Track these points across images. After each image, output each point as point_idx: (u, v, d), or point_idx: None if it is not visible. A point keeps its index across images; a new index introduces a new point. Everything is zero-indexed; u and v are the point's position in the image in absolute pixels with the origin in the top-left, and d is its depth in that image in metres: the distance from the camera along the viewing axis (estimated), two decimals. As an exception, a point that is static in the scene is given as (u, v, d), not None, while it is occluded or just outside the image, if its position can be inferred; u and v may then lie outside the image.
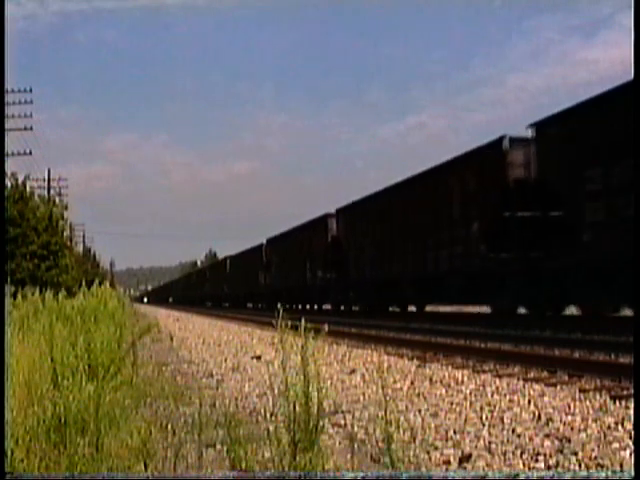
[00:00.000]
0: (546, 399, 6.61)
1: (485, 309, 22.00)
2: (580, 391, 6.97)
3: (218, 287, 64.25)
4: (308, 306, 39.70)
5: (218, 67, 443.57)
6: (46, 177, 42.37)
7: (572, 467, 4.29)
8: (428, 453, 4.71)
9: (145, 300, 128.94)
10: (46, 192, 39.48)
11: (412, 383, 8.02)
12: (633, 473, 2.77)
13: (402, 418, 5.72)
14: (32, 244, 27.93)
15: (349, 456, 3.99)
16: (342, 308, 32.68)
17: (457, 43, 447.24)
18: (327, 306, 36.72)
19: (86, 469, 3.44)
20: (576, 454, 4.52)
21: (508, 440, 5.01)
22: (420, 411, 6.21)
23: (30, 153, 33.96)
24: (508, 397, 6.78)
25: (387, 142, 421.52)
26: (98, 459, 3.55)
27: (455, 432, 5.31)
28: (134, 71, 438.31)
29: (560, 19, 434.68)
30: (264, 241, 47.74)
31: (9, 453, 3.45)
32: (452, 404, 6.54)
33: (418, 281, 23.51)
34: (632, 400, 5.95)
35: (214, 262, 73.34)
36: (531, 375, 8.32)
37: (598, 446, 4.71)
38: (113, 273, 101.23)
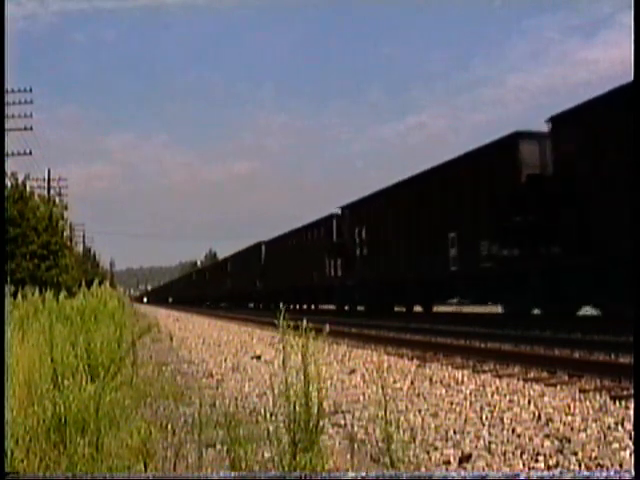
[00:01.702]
0: (546, 399, 6.61)
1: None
2: (580, 391, 6.97)
3: (246, 283, 49.14)
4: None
5: (218, 67, 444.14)
6: (46, 177, 42.38)
7: (572, 467, 4.29)
8: (428, 453, 4.71)
9: (145, 300, 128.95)
10: (46, 192, 39.48)
11: (412, 383, 8.02)
12: (633, 473, 2.78)
13: (402, 418, 5.72)
14: (32, 244, 27.93)
15: (349, 456, 3.99)
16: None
17: (457, 43, 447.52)
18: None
19: (86, 469, 3.44)
20: (576, 454, 4.52)
21: (508, 440, 5.01)
22: (420, 411, 6.21)
23: (30, 153, 33.92)
24: (508, 397, 6.78)
25: (387, 142, 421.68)
26: (98, 459, 3.55)
27: (455, 432, 5.31)
28: (134, 71, 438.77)
29: (560, 19, 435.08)
30: (334, 211, 31.67)
31: (9, 453, 3.45)
32: (452, 404, 6.54)
33: None
34: (632, 400, 5.95)
35: (240, 250, 55.37)
36: (531, 375, 8.32)
37: (598, 446, 4.71)
38: (113, 273, 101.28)
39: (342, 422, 5.74)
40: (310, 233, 35.49)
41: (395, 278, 24.09)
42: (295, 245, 38.01)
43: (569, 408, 6.11)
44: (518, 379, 7.97)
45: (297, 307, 37.91)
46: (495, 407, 6.27)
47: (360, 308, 28.92)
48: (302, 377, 3.44)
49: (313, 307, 37.57)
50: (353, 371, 9.35)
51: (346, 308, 30.36)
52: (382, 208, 25.80)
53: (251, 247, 49.74)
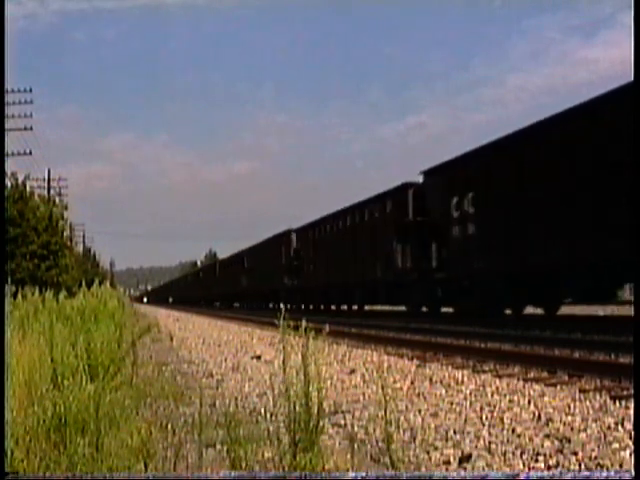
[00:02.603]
0: (546, 399, 6.61)
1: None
2: (580, 391, 6.97)
3: (269, 280, 40.91)
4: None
5: (218, 67, 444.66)
6: (46, 177, 42.45)
7: (572, 467, 4.29)
8: (428, 453, 4.71)
9: (145, 300, 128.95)
10: (46, 192, 39.51)
11: (412, 383, 8.02)
12: (633, 473, 2.77)
13: (402, 418, 5.72)
14: (32, 244, 27.94)
15: (349, 456, 3.99)
16: None
17: (457, 43, 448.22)
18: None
19: (86, 469, 3.44)
20: (576, 454, 4.52)
21: (508, 440, 5.01)
22: (420, 411, 6.21)
23: (30, 153, 34.04)
24: (508, 397, 6.78)
25: (387, 142, 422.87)
26: (98, 459, 3.55)
27: (455, 432, 5.31)
28: (134, 71, 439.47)
29: (560, 19, 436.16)
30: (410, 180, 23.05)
31: (9, 453, 3.45)
32: (452, 404, 6.54)
33: None
34: (632, 400, 5.95)
35: (260, 242, 46.75)
36: (531, 375, 8.31)
37: (598, 446, 4.71)
38: (113, 273, 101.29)
39: (342, 422, 5.74)
40: (368, 212, 26.31)
41: (531, 264, 16.19)
42: (344, 230, 29.03)
43: (569, 408, 6.11)
44: (518, 379, 7.97)
45: (337, 307, 31.65)
46: (495, 407, 6.27)
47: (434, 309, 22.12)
48: (302, 377, 3.44)
49: (352, 307, 30.43)
50: (353, 371, 9.35)
51: (423, 309, 22.76)
52: (508, 164, 17.16)
53: (275, 237, 41.14)
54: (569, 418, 5.67)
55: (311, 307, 34.26)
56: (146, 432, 3.72)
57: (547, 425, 5.46)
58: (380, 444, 3.75)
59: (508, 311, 18.85)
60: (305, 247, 35.25)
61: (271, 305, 42.03)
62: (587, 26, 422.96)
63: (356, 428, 5.46)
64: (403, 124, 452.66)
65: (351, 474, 2.93)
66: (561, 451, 4.63)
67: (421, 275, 21.54)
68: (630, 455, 4.40)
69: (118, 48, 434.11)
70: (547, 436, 5.07)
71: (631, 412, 5.66)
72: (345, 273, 28.31)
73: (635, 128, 10.88)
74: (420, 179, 22.59)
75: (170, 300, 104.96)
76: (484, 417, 5.86)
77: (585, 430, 5.21)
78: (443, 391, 7.35)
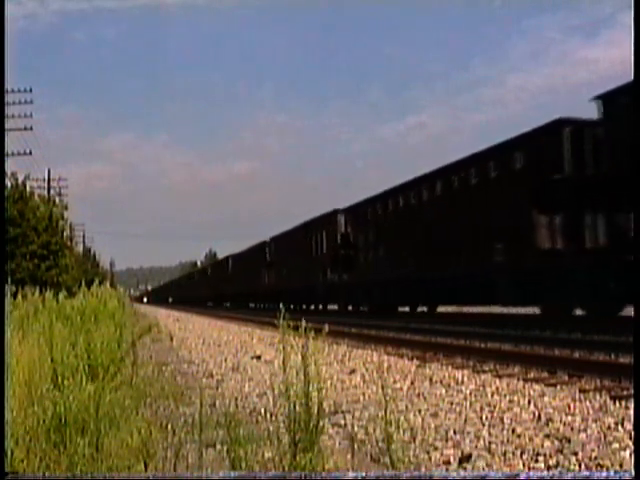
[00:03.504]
0: (546, 399, 6.61)
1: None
2: (580, 391, 6.97)
3: (303, 276, 33.83)
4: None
5: (218, 67, 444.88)
6: (46, 177, 42.44)
7: (572, 467, 4.29)
8: (428, 453, 4.71)
9: (145, 300, 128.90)
10: (46, 192, 39.50)
11: (412, 383, 8.01)
12: (633, 473, 2.77)
13: (402, 418, 5.72)
14: (32, 244, 27.94)
15: (349, 456, 3.99)
16: None
17: (457, 43, 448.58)
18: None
19: (86, 469, 3.44)
20: (576, 454, 4.52)
21: (508, 440, 5.01)
22: (420, 411, 6.21)
23: (30, 153, 34.01)
24: (508, 397, 6.78)
25: (387, 142, 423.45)
26: (98, 459, 3.55)
27: (455, 432, 5.31)
28: (134, 71, 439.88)
29: (560, 19, 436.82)
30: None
31: (9, 453, 3.45)
32: (452, 404, 6.54)
33: None
34: (632, 400, 5.95)
35: (288, 231, 39.55)
36: (531, 375, 8.31)
37: (598, 446, 4.71)
38: (113, 273, 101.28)
39: (342, 422, 5.74)
40: (478, 171, 18.86)
41: None
42: (431, 201, 21.55)
43: (569, 408, 6.11)
44: (518, 379, 7.96)
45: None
46: (495, 407, 6.27)
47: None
48: (302, 377, 3.44)
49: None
50: (353, 371, 9.35)
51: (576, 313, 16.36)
52: None
53: (313, 221, 33.20)
54: (569, 418, 5.67)
55: (361, 308, 28.31)
56: (146, 432, 3.72)
57: (547, 425, 5.46)
58: (380, 444, 3.75)
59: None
60: (360, 231, 27.14)
61: (304, 306, 34.83)
62: (587, 26, 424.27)
63: (356, 428, 5.46)
64: (403, 124, 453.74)
65: (351, 474, 2.93)
66: (561, 451, 4.63)
67: (586, 259, 14.65)
68: (630, 455, 4.40)
69: (118, 48, 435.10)
70: (547, 436, 5.07)
71: (631, 412, 5.66)
72: (431, 261, 20.83)
73: (635, 128, 10.89)
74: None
75: (170, 300, 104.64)
76: (484, 417, 5.86)
77: (585, 430, 5.21)
78: (443, 391, 7.35)
